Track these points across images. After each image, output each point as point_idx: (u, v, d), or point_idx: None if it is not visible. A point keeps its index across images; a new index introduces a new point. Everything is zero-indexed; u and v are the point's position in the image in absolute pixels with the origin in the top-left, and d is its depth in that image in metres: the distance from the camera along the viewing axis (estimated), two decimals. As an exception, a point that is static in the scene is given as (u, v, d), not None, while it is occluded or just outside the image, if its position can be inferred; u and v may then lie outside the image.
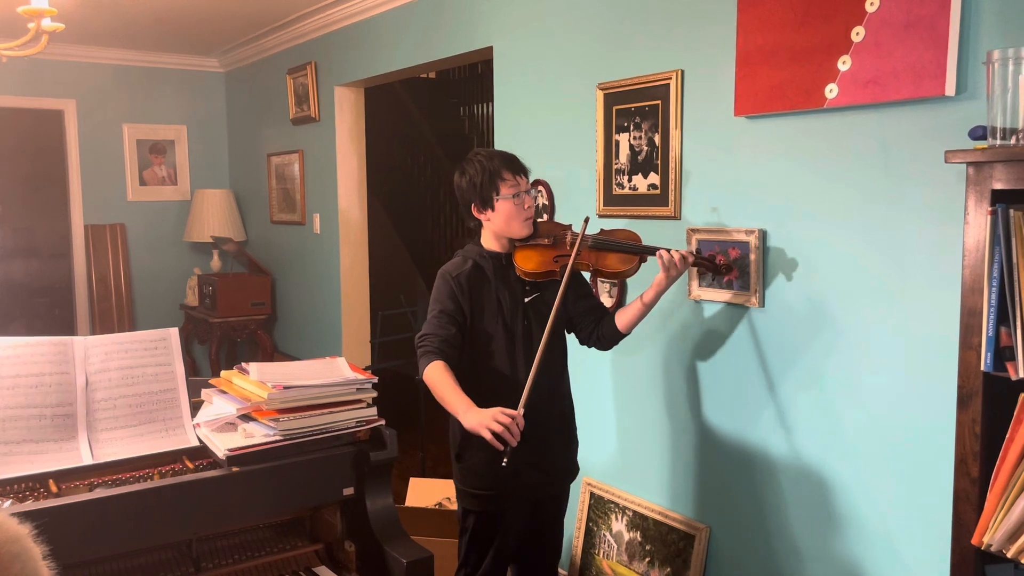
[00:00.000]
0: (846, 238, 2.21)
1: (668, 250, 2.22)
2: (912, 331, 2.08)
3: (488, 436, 1.94)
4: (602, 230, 2.36)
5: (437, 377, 2.11)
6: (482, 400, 2.26)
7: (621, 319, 2.31)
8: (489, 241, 2.31)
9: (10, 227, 5.84)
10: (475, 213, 2.29)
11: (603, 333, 2.34)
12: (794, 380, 2.38)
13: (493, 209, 2.24)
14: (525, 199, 2.24)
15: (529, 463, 2.27)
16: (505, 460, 1.95)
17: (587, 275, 2.38)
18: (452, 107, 7.11)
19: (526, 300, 2.28)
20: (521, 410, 2.00)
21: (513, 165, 2.26)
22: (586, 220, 2.31)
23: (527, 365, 2.24)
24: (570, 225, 2.36)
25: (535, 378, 2.07)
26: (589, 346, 2.40)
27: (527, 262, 2.25)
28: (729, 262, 2.41)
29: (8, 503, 1.72)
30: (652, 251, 2.26)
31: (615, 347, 2.40)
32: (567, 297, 2.29)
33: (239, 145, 6.27)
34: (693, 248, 2.57)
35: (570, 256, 2.21)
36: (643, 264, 2.31)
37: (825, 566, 2.34)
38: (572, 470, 2.44)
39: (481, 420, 1.97)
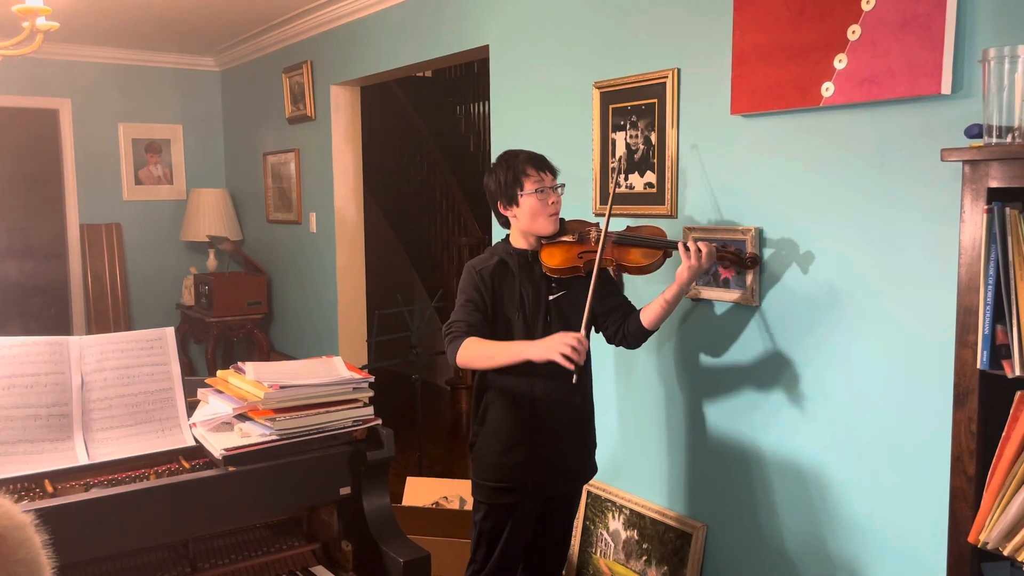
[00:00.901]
0: (842, 236, 2.21)
1: (686, 243, 2.24)
2: (908, 329, 2.08)
3: (561, 360, 2.01)
4: (628, 227, 2.39)
5: (476, 346, 2.16)
6: (497, 393, 2.29)
7: (647, 316, 2.30)
8: (517, 239, 2.34)
9: (5, 227, 5.82)
10: (502, 211, 2.32)
11: (629, 331, 2.34)
12: (790, 378, 2.38)
13: (518, 205, 2.27)
14: (550, 195, 2.27)
15: (541, 459, 2.29)
16: (575, 378, 2.05)
17: (610, 271, 2.39)
18: (448, 106, 7.11)
19: (550, 298, 2.29)
20: (583, 332, 2.07)
21: (538, 162, 2.29)
22: (615, 166, 2.26)
23: (549, 361, 2.24)
24: (597, 223, 2.37)
25: (591, 306, 2.14)
26: (616, 344, 2.40)
27: (552, 259, 2.27)
28: (756, 255, 2.39)
29: None
30: (676, 245, 2.27)
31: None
32: (596, 292, 2.31)
33: (235, 144, 6.26)
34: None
35: (595, 252, 2.23)
36: (668, 259, 2.32)
37: (822, 564, 2.34)
38: (586, 471, 2.44)
39: (549, 346, 2.05)
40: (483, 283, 2.26)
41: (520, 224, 2.30)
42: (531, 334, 2.27)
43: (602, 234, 2.24)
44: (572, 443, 2.37)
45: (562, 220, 2.34)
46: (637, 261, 2.28)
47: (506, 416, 2.28)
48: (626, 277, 2.85)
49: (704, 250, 2.22)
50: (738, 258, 2.37)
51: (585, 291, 2.19)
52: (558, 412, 2.30)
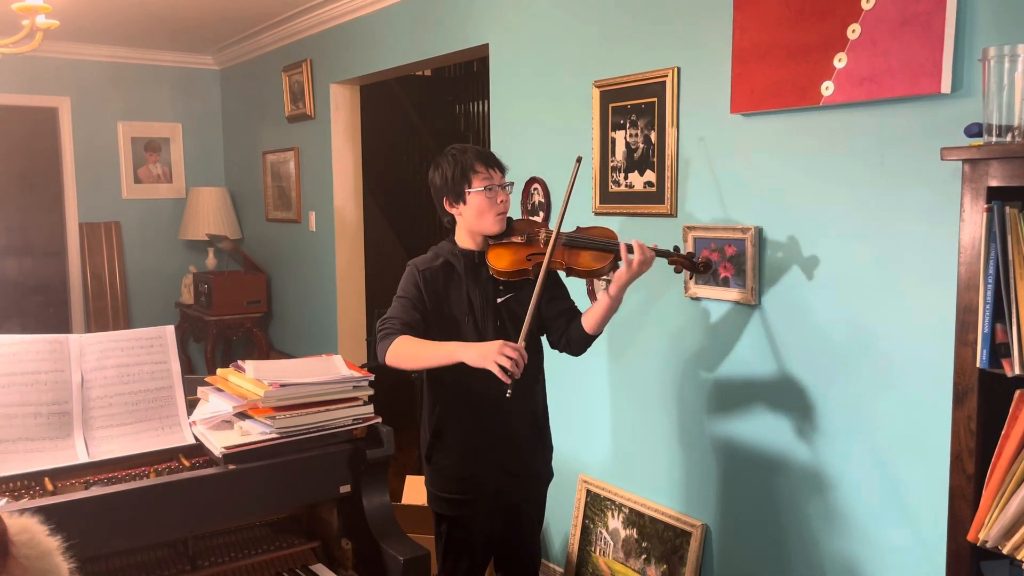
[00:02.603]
0: (842, 235, 2.22)
1: (629, 243, 2.13)
2: (908, 328, 2.08)
3: (496, 370, 1.93)
4: (578, 228, 2.28)
5: (408, 344, 2.07)
6: (453, 402, 2.23)
7: (586, 320, 2.22)
8: (463, 238, 2.25)
9: (4, 225, 5.81)
10: (447, 208, 2.23)
11: (571, 337, 2.26)
12: (789, 377, 2.39)
13: (465, 203, 2.19)
14: (499, 194, 2.19)
15: (499, 467, 2.24)
16: (509, 392, 1.95)
17: (562, 274, 2.31)
18: (448, 104, 7.10)
19: (499, 300, 2.21)
20: (521, 343, 1.99)
21: (487, 159, 2.20)
22: (578, 160, 2.20)
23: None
24: (545, 223, 2.30)
25: (532, 315, 2.04)
26: (560, 350, 2.32)
27: (499, 261, 2.17)
28: (709, 260, 2.30)
29: (3, 501, 1.71)
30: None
31: (600, 347, 2.32)
32: (541, 298, 2.23)
33: (234, 143, 6.26)
34: (689, 247, 2.57)
35: (544, 254, 2.12)
36: (619, 261, 2.19)
37: (821, 562, 2.34)
38: (544, 475, 2.39)
39: (485, 354, 1.95)
40: (424, 282, 2.18)
41: (466, 222, 2.22)
42: (483, 337, 2.17)
43: (552, 236, 2.14)
44: (530, 448, 2.31)
45: (509, 219, 2.25)
46: (588, 264, 2.16)
47: (462, 425, 2.22)
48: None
49: (638, 254, 2.09)
50: (689, 262, 2.25)
51: (532, 293, 2.10)
52: (515, 417, 2.24)
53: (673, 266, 2.27)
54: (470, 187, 2.17)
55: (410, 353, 2.08)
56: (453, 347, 2.04)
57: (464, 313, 2.18)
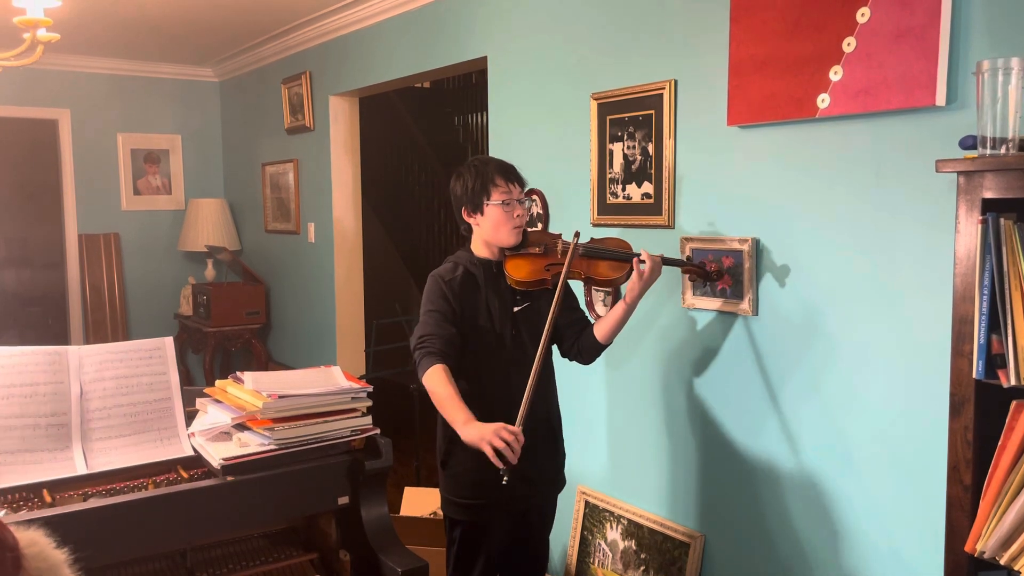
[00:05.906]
0: (838, 246, 2.22)
1: (638, 253, 2.22)
2: (904, 339, 2.09)
3: (490, 452, 1.93)
4: (592, 239, 2.37)
5: (438, 382, 2.09)
6: (470, 407, 2.25)
7: (599, 330, 2.29)
8: (480, 248, 2.31)
9: (3, 236, 5.82)
10: (465, 217, 2.29)
11: (583, 346, 2.32)
12: (787, 387, 2.39)
13: (483, 214, 2.25)
14: (516, 207, 2.24)
15: (518, 473, 2.25)
16: (505, 479, 1.96)
17: (579, 284, 2.37)
18: (446, 116, 7.13)
19: (516, 309, 2.26)
20: (519, 427, 1.98)
21: (507, 173, 2.26)
22: (576, 235, 2.29)
23: (517, 373, 2.22)
24: (560, 235, 2.36)
25: (532, 393, 2.04)
26: (571, 359, 2.38)
27: (518, 271, 2.24)
28: (720, 267, 2.37)
29: (2, 513, 1.71)
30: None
31: (599, 358, 2.37)
32: (561, 307, 2.28)
33: (233, 154, 6.27)
34: (686, 257, 2.58)
35: (562, 264, 2.21)
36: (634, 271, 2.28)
37: (820, 573, 2.34)
38: (559, 481, 2.43)
39: (482, 435, 1.95)
40: (452, 292, 2.22)
41: (483, 233, 2.27)
42: (501, 346, 2.25)
43: (570, 247, 2.21)
44: (544, 456, 2.34)
45: (525, 231, 2.30)
46: (606, 274, 2.25)
47: None
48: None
49: (649, 262, 2.18)
50: (702, 270, 2.34)
51: (550, 302, 2.17)
52: (530, 426, 2.23)
53: (687, 275, 2.37)
54: (488, 199, 2.23)
55: (434, 392, 2.12)
56: (460, 418, 2.03)
57: (484, 320, 2.24)
